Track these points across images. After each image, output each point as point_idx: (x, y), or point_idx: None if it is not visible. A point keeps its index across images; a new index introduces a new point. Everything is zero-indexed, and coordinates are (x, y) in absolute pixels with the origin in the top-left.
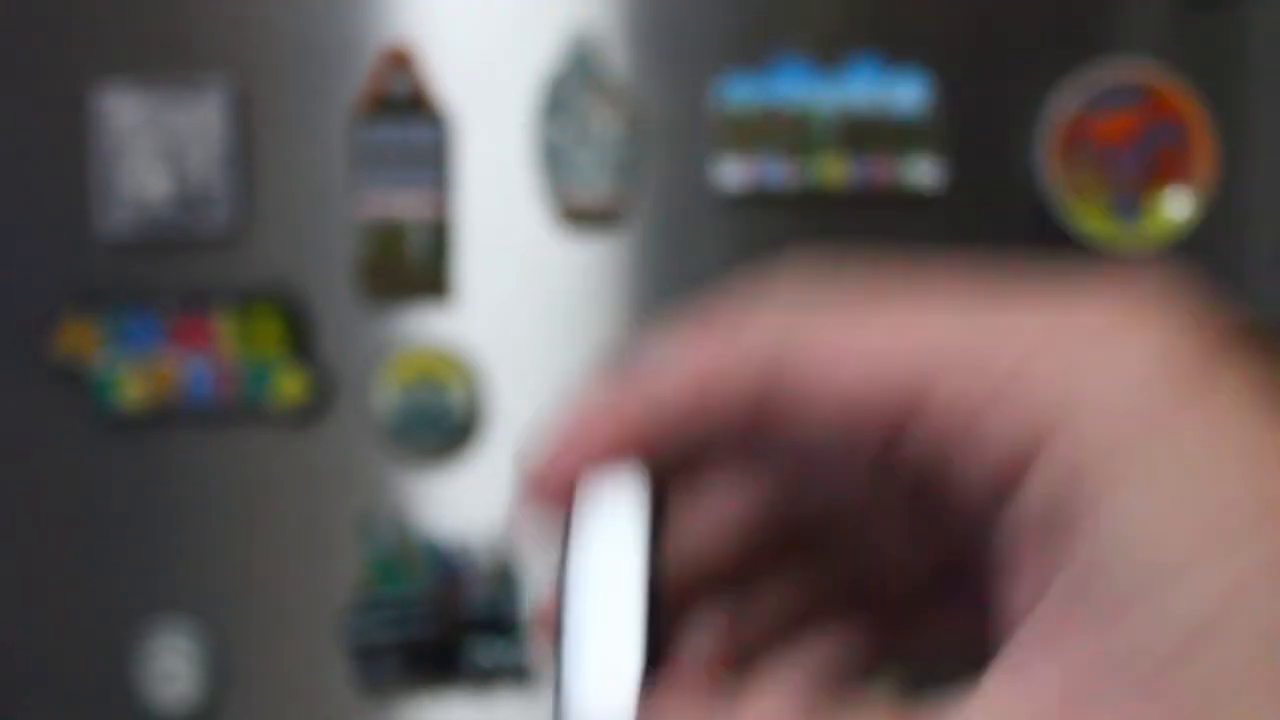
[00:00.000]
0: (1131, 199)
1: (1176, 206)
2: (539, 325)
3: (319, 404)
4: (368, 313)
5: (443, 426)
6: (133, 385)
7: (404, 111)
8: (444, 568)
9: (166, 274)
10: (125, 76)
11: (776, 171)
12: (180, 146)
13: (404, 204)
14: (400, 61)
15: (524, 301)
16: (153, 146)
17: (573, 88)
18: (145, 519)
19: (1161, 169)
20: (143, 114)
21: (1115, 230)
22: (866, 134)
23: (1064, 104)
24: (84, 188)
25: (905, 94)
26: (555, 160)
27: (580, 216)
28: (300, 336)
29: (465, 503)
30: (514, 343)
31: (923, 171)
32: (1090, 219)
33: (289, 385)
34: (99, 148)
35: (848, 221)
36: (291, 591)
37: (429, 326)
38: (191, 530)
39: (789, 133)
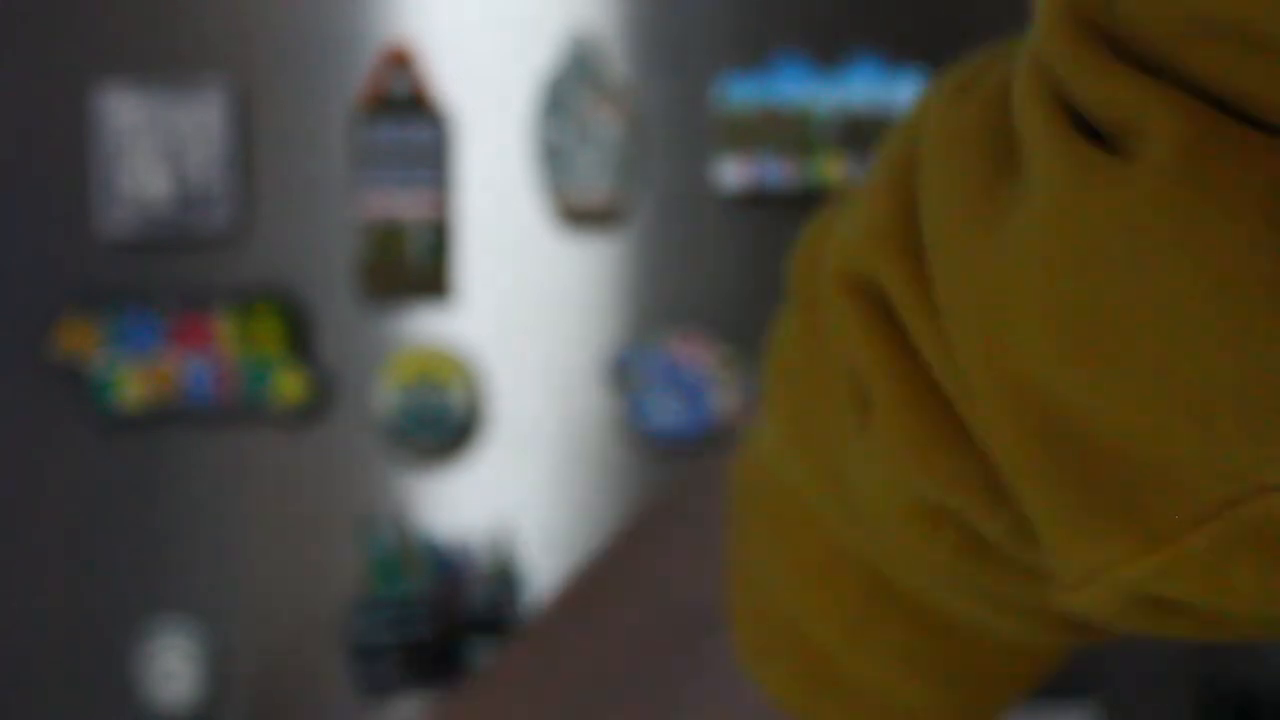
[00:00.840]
0: None
1: None
2: (539, 325)
3: (319, 404)
4: (368, 313)
5: (443, 426)
6: (133, 385)
7: (404, 111)
8: (444, 568)
9: (166, 274)
10: (125, 76)
11: (776, 171)
12: (180, 146)
13: (404, 204)
14: (400, 61)
15: (524, 301)
16: (153, 146)
17: (573, 88)
18: (145, 519)
19: None
20: (143, 114)
21: None
22: (867, 134)
23: None
24: (84, 187)
25: (905, 94)
26: (555, 160)
27: (580, 216)
28: (300, 336)
29: (465, 503)
30: (514, 343)
31: None
32: None
33: (289, 385)
34: (99, 147)
35: None
36: (291, 592)
37: (429, 326)
38: (191, 530)
39: (789, 133)
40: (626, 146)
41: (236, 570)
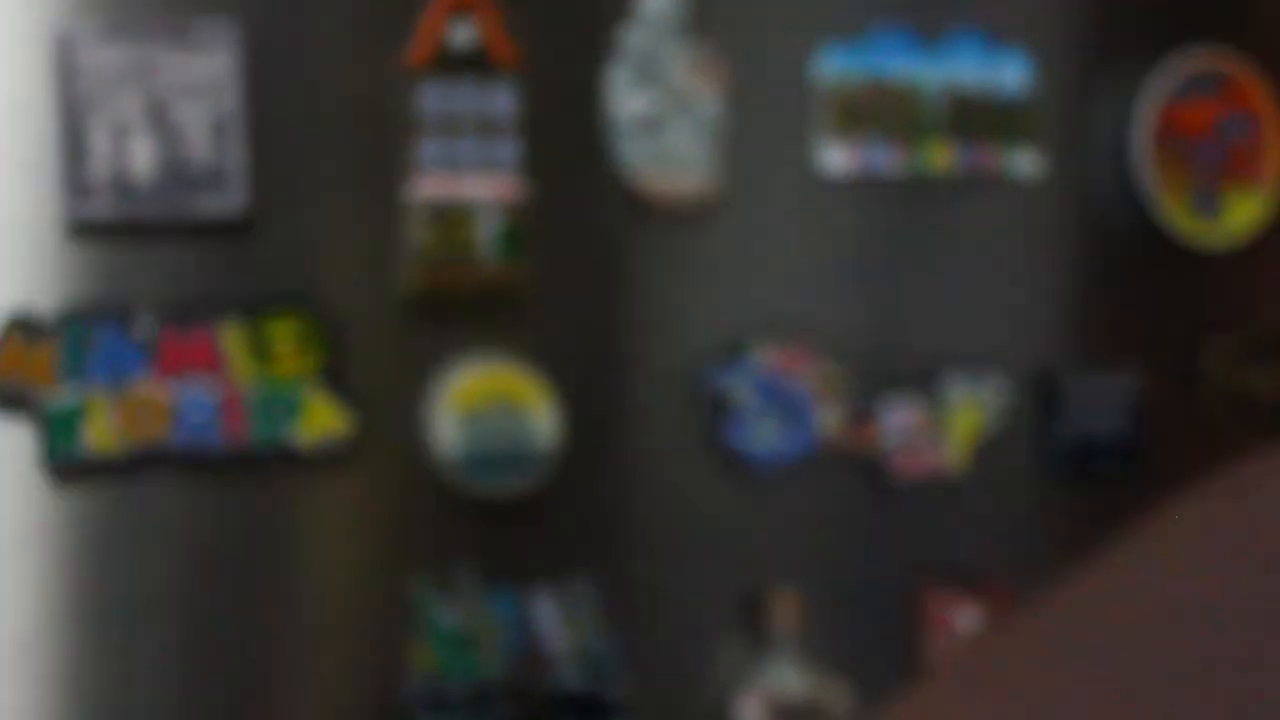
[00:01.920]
0: (1210, 194)
1: (1251, 203)
2: (620, 333)
3: (359, 441)
4: (420, 321)
5: (520, 463)
6: (103, 422)
7: (466, 69)
8: (523, 642)
9: (152, 272)
10: (101, 19)
11: (883, 156)
12: (173, 106)
13: (467, 184)
14: (462, 6)
15: (602, 305)
16: (137, 106)
17: (663, 54)
18: (123, 600)
19: (1236, 163)
20: (125, 65)
21: (1198, 227)
22: (973, 118)
23: (1155, 92)
24: (44, 158)
25: (1009, 75)
26: (644, 136)
27: (671, 203)
28: (332, 353)
29: (548, 559)
30: (600, 354)
31: (1025, 160)
32: (1178, 215)
33: (319, 417)
34: (67, 106)
35: (947, 210)
36: (329, 681)
37: (500, 336)
38: (191, 614)
39: (896, 112)
40: (724, 124)
41: (252, 659)
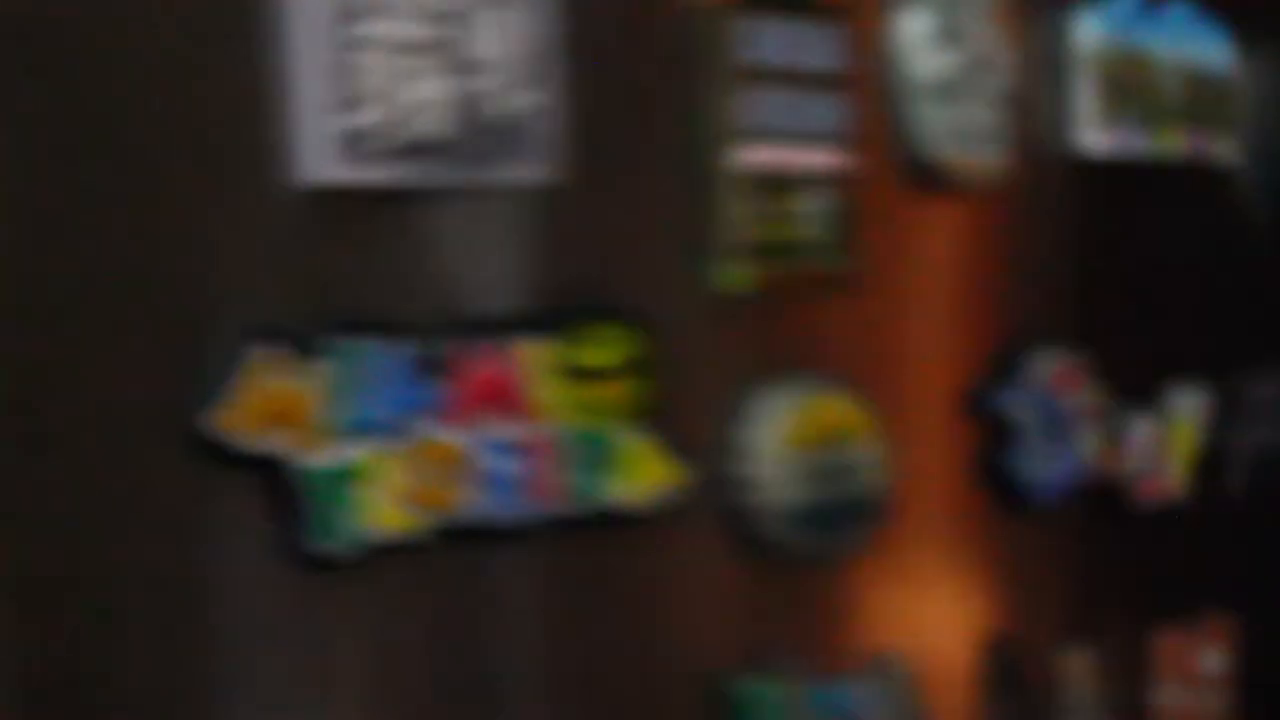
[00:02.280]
0: None
1: None
2: (910, 339)
3: (696, 496)
4: (736, 330)
5: (853, 512)
6: (385, 487)
7: (796, 7)
8: None
9: (440, 271)
10: None
11: (1136, 140)
12: (469, 44)
13: (798, 156)
14: None
15: (901, 302)
16: (421, 30)
17: (965, 12)
18: (417, 708)
19: None
20: None
21: None
22: (1200, 100)
23: None
24: (295, 102)
25: (1218, 56)
26: (941, 103)
27: (965, 179)
28: (653, 379)
29: (889, 633)
30: (884, 370)
31: (1230, 148)
32: None
33: (645, 468)
34: (323, 29)
35: (1168, 200)
36: None
37: (818, 350)
38: (492, 707)
39: (1145, 92)
40: (1010, 89)
41: None
